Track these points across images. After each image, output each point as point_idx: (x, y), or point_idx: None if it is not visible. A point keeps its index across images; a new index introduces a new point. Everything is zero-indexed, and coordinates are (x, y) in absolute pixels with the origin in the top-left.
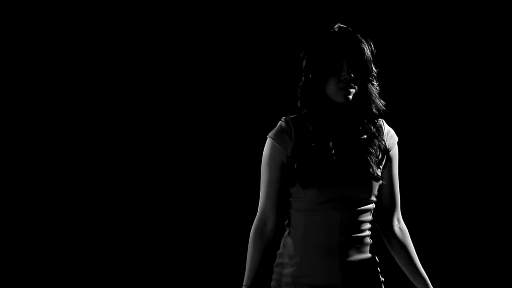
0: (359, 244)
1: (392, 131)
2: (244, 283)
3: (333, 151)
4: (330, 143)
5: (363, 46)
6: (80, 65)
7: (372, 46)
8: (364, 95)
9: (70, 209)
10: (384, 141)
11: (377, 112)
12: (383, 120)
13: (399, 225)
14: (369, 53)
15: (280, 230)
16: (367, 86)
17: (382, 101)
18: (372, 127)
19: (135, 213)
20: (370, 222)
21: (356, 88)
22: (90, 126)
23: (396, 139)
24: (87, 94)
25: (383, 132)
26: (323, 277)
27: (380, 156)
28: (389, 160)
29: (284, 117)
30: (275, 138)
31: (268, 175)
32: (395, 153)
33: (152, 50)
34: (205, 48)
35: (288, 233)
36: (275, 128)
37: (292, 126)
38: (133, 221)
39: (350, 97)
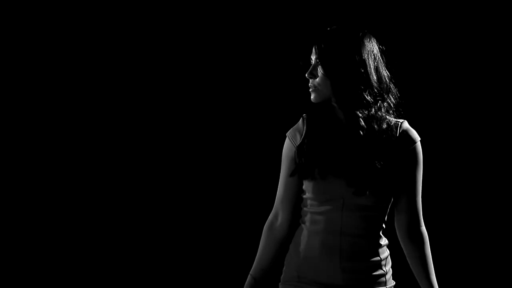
0: (363, 246)
1: (409, 133)
2: (250, 272)
3: (334, 147)
4: (331, 140)
5: (329, 45)
6: (80, 65)
7: (347, 45)
8: (342, 96)
9: (70, 209)
10: (393, 143)
11: (361, 115)
12: (404, 121)
13: (416, 232)
14: (336, 53)
15: (296, 225)
16: (341, 86)
17: (368, 98)
18: (371, 127)
19: (140, 213)
20: (378, 225)
21: (320, 87)
22: (92, 126)
23: (415, 141)
24: (87, 94)
25: (394, 134)
26: (325, 275)
27: (386, 159)
28: (403, 162)
29: (304, 115)
30: (289, 136)
31: (283, 171)
32: (410, 155)
33: (162, 50)
34: (220, 48)
35: (299, 229)
36: (294, 126)
37: (306, 124)
38: (137, 221)
39: (313, 95)
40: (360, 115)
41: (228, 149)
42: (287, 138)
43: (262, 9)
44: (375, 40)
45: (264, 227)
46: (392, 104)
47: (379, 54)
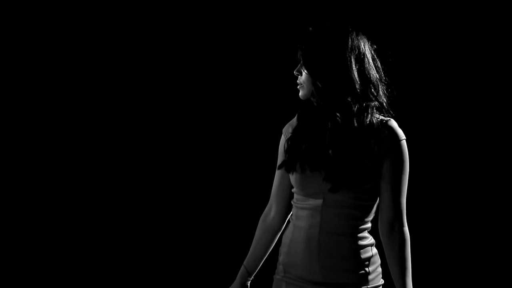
0: (343, 244)
1: (393, 131)
2: (243, 263)
3: (314, 143)
4: (313, 136)
5: (310, 44)
6: (80, 65)
7: (332, 42)
8: (321, 94)
9: (70, 209)
10: (375, 141)
11: (339, 113)
12: (390, 120)
13: (396, 232)
14: (316, 52)
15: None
16: (323, 84)
17: (349, 98)
18: (350, 125)
19: (137, 213)
20: (360, 224)
21: (305, 84)
22: (91, 126)
23: (399, 139)
24: (87, 94)
25: (377, 132)
26: (306, 271)
27: (364, 157)
28: (385, 161)
29: (299, 111)
30: (284, 131)
31: (277, 165)
32: (393, 154)
33: (159, 51)
34: (220, 47)
35: (289, 223)
36: (289, 121)
37: (298, 120)
38: (135, 221)
39: (300, 92)
40: (338, 113)
41: (229, 145)
42: (283, 133)
43: (262, 8)
44: (364, 38)
45: (260, 219)
46: (384, 103)
47: (367, 53)
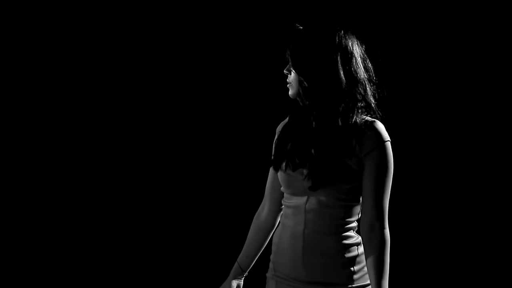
0: (327, 244)
1: (377, 132)
2: (237, 259)
3: (296, 142)
4: (296, 135)
5: (296, 44)
6: (80, 65)
7: (317, 41)
8: (305, 94)
9: (70, 209)
10: (355, 142)
11: (323, 113)
12: (375, 121)
13: (376, 233)
14: (305, 49)
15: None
16: (309, 83)
17: (333, 98)
18: (334, 126)
19: (135, 213)
20: (344, 223)
21: (293, 83)
22: (90, 126)
23: (382, 141)
24: (87, 94)
25: (361, 133)
26: (291, 269)
27: (346, 157)
28: (367, 162)
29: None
30: (277, 130)
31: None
32: (374, 156)
33: (156, 51)
34: (220, 47)
35: (279, 222)
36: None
37: (288, 119)
38: (133, 221)
39: (289, 91)
40: (322, 113)
41: (224, 144)
42: (276, 132)
43: (263, 8)
44: (353, 37)
45: (254, 217)
46: (372, 104)
47: (355, 52)
